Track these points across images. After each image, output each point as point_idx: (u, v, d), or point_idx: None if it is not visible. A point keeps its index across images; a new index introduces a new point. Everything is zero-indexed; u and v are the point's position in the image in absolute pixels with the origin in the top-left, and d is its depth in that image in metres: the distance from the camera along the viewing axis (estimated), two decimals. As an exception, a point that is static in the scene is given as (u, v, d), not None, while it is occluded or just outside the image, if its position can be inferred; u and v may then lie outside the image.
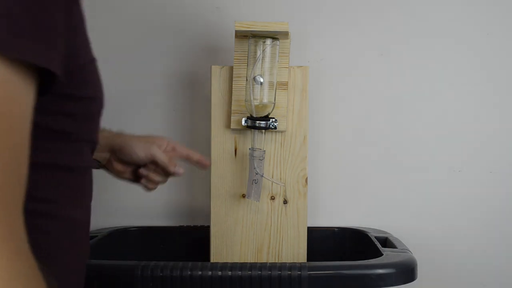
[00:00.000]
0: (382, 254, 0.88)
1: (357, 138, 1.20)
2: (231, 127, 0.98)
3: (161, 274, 0.79)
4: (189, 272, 0.79)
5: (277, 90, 0.96)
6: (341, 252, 1.13)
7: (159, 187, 0.94)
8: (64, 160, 0.55)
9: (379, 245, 0.97)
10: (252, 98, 0.93)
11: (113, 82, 1.21)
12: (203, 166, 0.94)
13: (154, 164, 0.89)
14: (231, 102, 0.98)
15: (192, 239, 1.15)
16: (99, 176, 1.19)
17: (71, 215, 0.57)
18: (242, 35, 0.96)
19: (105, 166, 0.90)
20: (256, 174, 0.94)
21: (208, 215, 1.00)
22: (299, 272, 0.79)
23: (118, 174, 0.91)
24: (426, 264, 1.11)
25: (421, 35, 1.18)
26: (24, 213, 0.44)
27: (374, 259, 0.85)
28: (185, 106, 1.21)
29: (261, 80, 0.93)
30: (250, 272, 0.79)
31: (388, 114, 1.19)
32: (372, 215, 1.19)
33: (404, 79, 1.19)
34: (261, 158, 0.95)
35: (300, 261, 0.99)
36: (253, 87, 0.93)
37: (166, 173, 0.90)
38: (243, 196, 0.99)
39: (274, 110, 0.95)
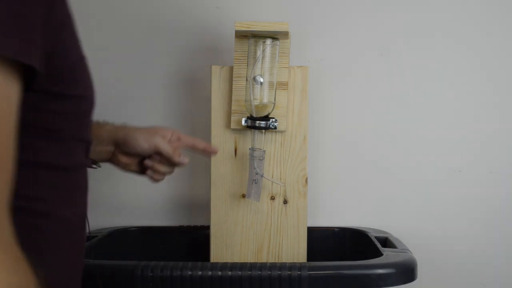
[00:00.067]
0: (382, 254, 0.88)
1: (357, 138, 1.20)
2: (231, 127, 0.98)
3: (161, 274, 0.79)
4: (189, 272, 0.79)
5: (277, 90, 0.96)
6: (341, 252, 1.13)
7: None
8: (55, 159, 0.55)
9: (379, 245, 0.97)
10: (252, 98, 0.93)
11: (113, 82, 1.21)
12: (210, 153, 0.94)
13: (158, 154, 0.89)
14: (231, 102, 0.98)
15: (192, 239, 1.15)
16: (99, 176, 1.20)
17: (63, 214, 0.56)
18: (242, 35, 0.96)
19: (111, 159, 0.90)
20: (256, 174, 0.94)
21: (208, 215, 1.00)
22: (299, 272, 0.79)
23: (124, 167, 0.91)
24: (426, 264, 1.11)
25: (421, 35, 1.18)
26: (15, 211, 0.44)
27: (374, 259, 0.85)
28: (185, 106, 1.21)
29: (261, 80, 0.93)
30: (250, 272, 0.79)
31: (388, 114, 1.19)
32: (372, 215, 1.19)
33: (404, 79, 1.19)
34: (261, 158, 0.95)
35: (300, 261, 0.99)
36: (253, 87, 0.93)
37: (171, 164, 0.90)
38: (243, 196, 0.99)
39: (274, 110, 0.95)
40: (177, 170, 0.94)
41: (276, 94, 0.95)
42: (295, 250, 0.99)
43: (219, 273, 0.79)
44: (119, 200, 1.22)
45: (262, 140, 0.96)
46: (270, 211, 0.99)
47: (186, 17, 1.20)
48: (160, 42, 1.21)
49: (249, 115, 0.95)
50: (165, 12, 1.20)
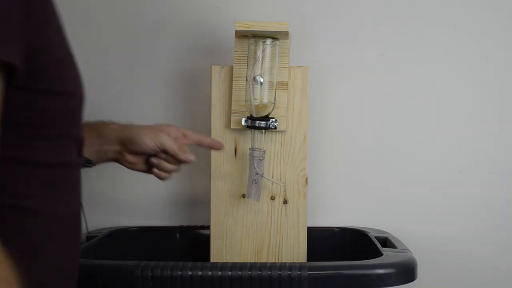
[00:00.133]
0: (382, 254, 0.88)
1: (357, 138, 1.20)
2: (231, 127, 0.98)
3: (161, 274, 0.79)
4: (189, 272, 0.79)
5: (277, 90, 0.96)
6: (341, 252, 1.13)
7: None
8: (44, 156, 0.55)
9: (379, 245, 0.97)
10: (252, 98, 0.93)
11: (113, 82, 1.21)
12: (216, 148, 0.95)
13: (164, 152, 0.89)
14: (231, 102, 0.98)
15: (192, 239, 1.15)
16: (99, 176, 1.20)
17: (55, 211, 0.56)
18: (242, 35, 0.96)
19: (118, 159, 0.91)
20: (256, 174, 0.94)
21: (208, 215, 1.00)
22: (299, 272, 0.79)
23: (131, 166, 0.92)
24: (426, 264, 1.11)
25: (421, 35, 1.18)
26: (3, 208, 0.44)
27: (374, 259, 0.85)
28: (185, 106, 1.21)
29: (261, 80, 0.93)
30: (250, 272, 0.79)
31: (388, 114, 1.19)
32: (372, 215, 1.19)
33: (404, 79, 1.19)
34: (261, 158, 0.95)
35: (300, 261, 0.99)
36: (253, 87, 0.93)
37: (177, 161, 0.90)
38: (243, 196, 0.99)
39: (274, 110, 0.95)
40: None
41: (276, 94, 0.95)
42: (295, 250, 0.99)
43: (219, 273, 0.79)
44: (119, 200, 1.21)
45: (262, 140, 0.96)
46: (270, 211, 0.99)
47: (186, 17, 1.20)
48: (160, 42, 1.21)
49: (249, 115, 0.95)
50: (165, 12, 1.20)
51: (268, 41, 0.93)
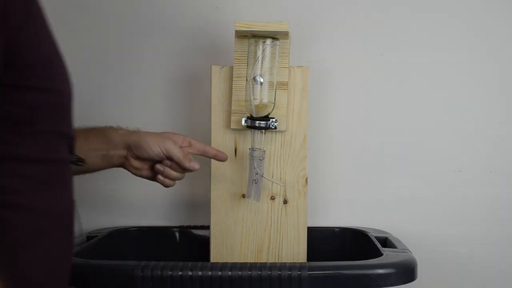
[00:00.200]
0: (382, 254, 0.88)
1: (357, 138, 1.20)
2: (231, 127, 0.98)
3: (161, 274, 0.79)
4: (189, 272, 0.79)
5: (277, 90, 0.96)
6: (341, 252, 1.13)
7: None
8: (29, 151, 0.55)
9: (379, 245, 0.97)
10: (252, 98, 0.93)
11: (113, 82, 1.21)
12: (221, 160, 0.96)
13: (169, 159, 0.91)
14: (231, 102, 0.98)
15: (192, 239, 1.15)
16: (100, 177, 1.20)
17: (42, 207, 0.56)
18: (242, 35, 0.96)
19: (123, 164, 0.92)
20: (256, 174, 0.94)
21: (208, 215, 1.00)
22: (299, 272, 0.79)
23: (136, 172, 0.93)
24: (426, 264, 1.11)
25: (422, 35, 1.18)
26: None
27: (374, 259, 0.85)
28: (185, 106, 1.21)
29: (261, 80, 0.93)
30: (250, 272, 0.79)
31: (388, 114, 1.19)
32: (372, 215, 1.19)
33: (404, 79, 1.19)
34: (261, 158, 0.95)
35: (300, 261, 0.99)
36: (253, 87, 0.93)
37: (182, 169, 0.92)
38: (243, 196, 0.99)
39: (274, 110, 0.95)
40: (187, 175, 0.95)
41: (276, 94, 0.95)
42: (295, 250, 0.99)
43: (219, 273, 0.79)
44: (119, 200, 1.22)
45: (262, 140, 0.96)
46: (270, 211, 0.99)
47: (186, 17, 1.20)
48: (160, 42, 1.21)
49: (249, 115, 0.95)
50: (165, 12, 1.20)
51: (268, 41, 0.93)
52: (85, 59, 1.21)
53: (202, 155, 0.95)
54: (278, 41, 0.94)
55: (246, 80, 0.95)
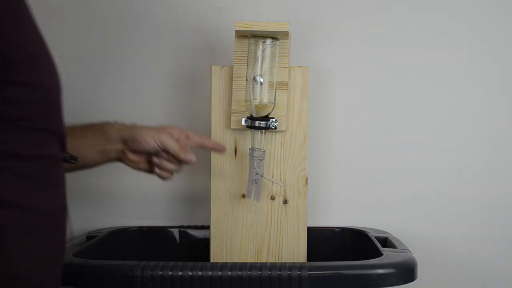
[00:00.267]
0: (382, 254, 0.88)
1: (357, 138, 1.20)
2: (231, 127, 0.98)
3: (161, 274, 0.79)
4: (189, 272, 0.79)
5: (277, 90, 0.96)
6: (341, 252, 1.13)
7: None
8: (18, 147, 0.55)
9: (379, 245, 0.97)
10: (252, 98, 0.93)
11: (113, 82, 1.21)
12: (219, 151, 0.96)
13: (165, 152, 0.91)
14: (231, 102, 0.98)
15: (192, 239, 1.15)
16: (99, 176, 1.20)
17: (32, 203, 0.56)
18: (242, 35, 0.96)
19: (120, 158, 0.92)
20: (256, 174, 0.94)
21: (208, 215, 1.00)
22: (299, 272, 0.79)
23: (133, 165, 0.93)
24: (426, 264, 1.11)
25: (422, 35, 1.18)
26: None
27: (374, 259, 0.85)
28: (185, 106, 1.21)
29: (261, 80, 0.93)
30: (250, 272, 0.79)
31: (388, 114, 1.19)
32: (372, 215, 1.19)
33: (404, 79, 1.19)
34: (261, 158, 0.95)
35: (300, 261, 0.99)
36: (253, 87, 0.93)
37: (178, 161, 0.92)
38: (243, 196, 0.99)
39: (274, 110, 0.95)
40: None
41: (276, 94, 0.95)
42: (295, 250, 0.99)
43: (219, 273, 0.79)
44: (119, 200, 1.22)
45: (262, 140, 0.96)
46: (270, 211, 0.99)
47: (186, 17, 1.20)
48: (160, 42, 1.21)
49: (249, 115, 0.95)
50: (165, 12, 1.20)
51: (268, 41, 0.93)
52: (85, 59, 1.21)
53: (201, 148, 0.95)
54: (278, 41, 0.94)
55: (246, 80, 0.95)
